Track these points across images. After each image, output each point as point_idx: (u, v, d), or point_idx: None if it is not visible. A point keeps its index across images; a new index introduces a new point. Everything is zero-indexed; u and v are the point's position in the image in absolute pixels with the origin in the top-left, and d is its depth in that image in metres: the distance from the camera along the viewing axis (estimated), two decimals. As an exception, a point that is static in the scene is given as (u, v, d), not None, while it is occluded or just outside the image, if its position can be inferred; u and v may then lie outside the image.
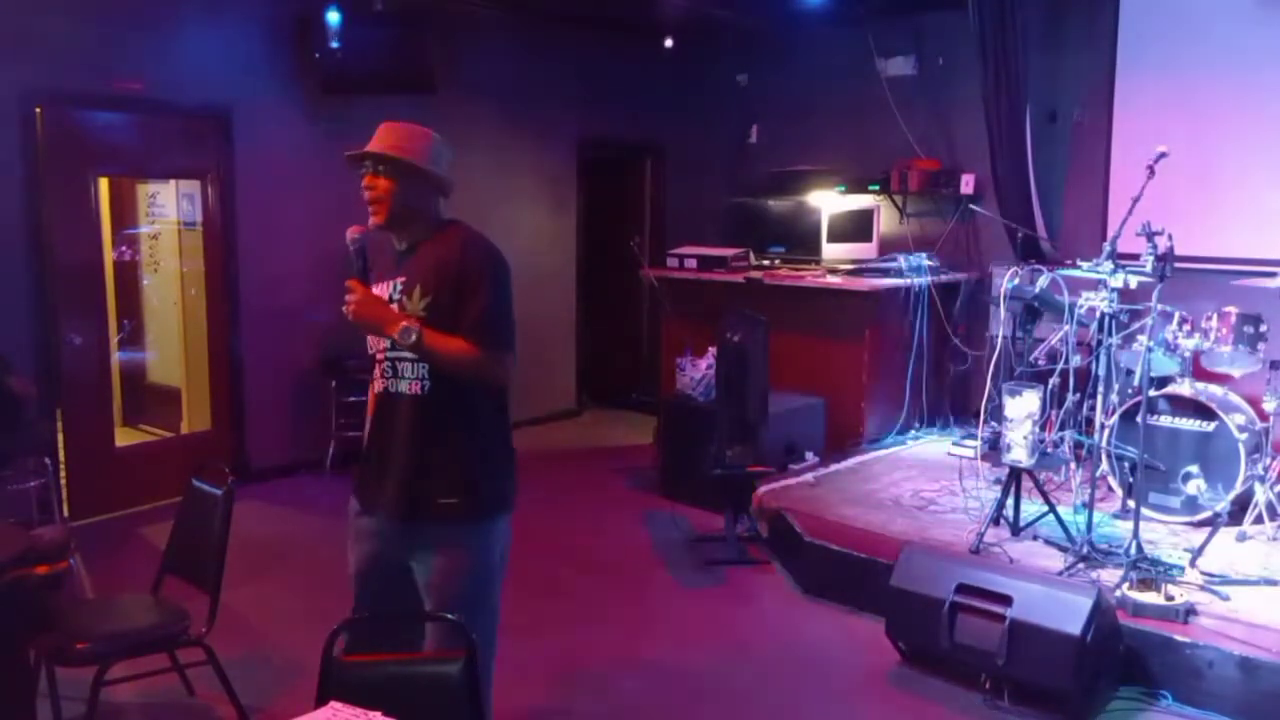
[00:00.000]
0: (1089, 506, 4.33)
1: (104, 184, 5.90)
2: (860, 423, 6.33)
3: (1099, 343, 4.54)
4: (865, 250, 6.95)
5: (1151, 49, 6.17)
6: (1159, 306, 4.18)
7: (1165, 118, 5.94)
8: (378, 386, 2.66)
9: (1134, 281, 4.30)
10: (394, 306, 2.57)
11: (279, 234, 6.34)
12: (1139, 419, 4.27)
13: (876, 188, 7.15)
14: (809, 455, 6.04)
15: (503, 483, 2.67)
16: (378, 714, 1.86)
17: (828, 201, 7.13)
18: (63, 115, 5.41)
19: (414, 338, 2.46)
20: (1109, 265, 4.32)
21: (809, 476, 5.72)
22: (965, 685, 3.78)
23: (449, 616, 2.57)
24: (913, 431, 6.61)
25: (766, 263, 7.01)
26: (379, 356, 2.64)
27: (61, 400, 5.47)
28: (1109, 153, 6.36)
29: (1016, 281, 4.57)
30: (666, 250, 7.34)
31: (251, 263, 6.24)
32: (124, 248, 6.66)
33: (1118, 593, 3.85)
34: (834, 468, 5.89)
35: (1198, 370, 4.92)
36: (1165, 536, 4.60)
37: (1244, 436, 4.59)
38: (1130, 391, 4.88)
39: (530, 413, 7.58)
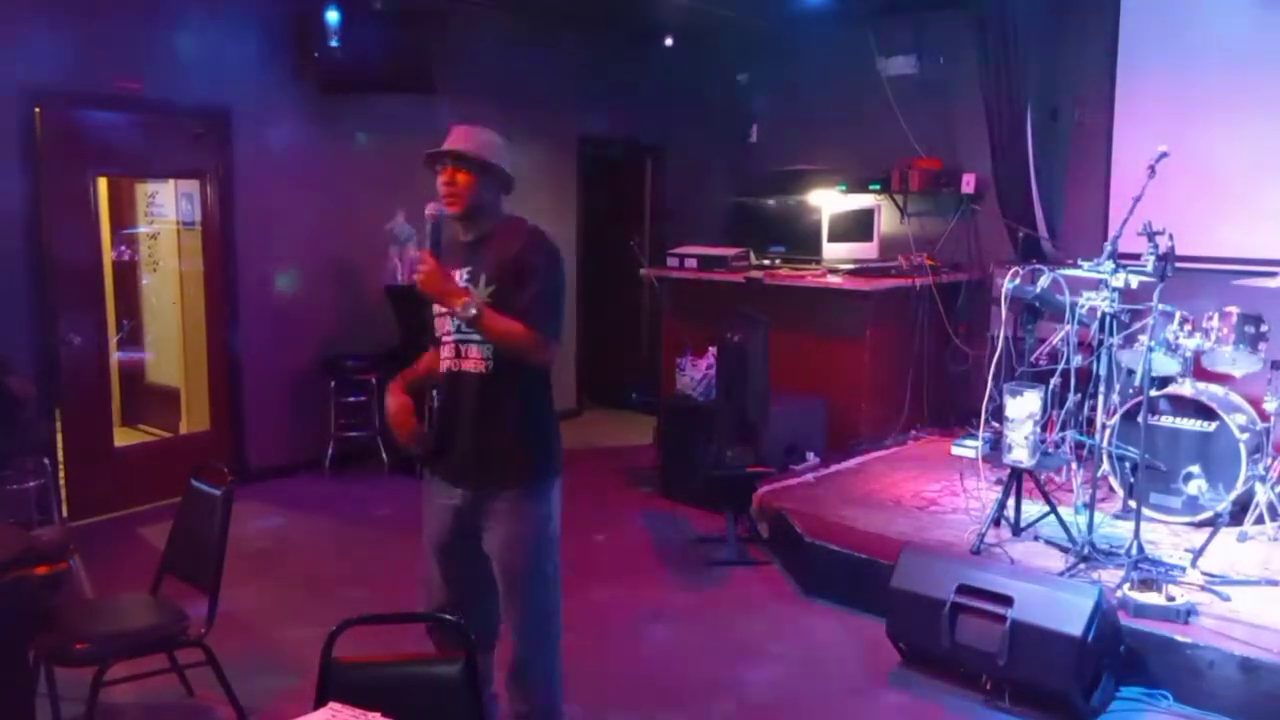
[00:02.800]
0: (1090, 507, 4.32)
1: (103, 184, 5.89)
2: (861, 423, 6.31)
3: (1100, 342, 4.53)
4: (866, 250, 6.94)
5: (1152, 49, 6.16)
6: (1160, 306, 4.17)
7: (1165, 118, 5.94)
8: (444, 366, 2.90)
9: (1135, 281, 4.29)
10: None
11: (278, 234, 6.34)
12: (1140, 419, 4.26)
13: (877, 187, 7.14)
14: (809, 455, 6.03)
15: (555, 450, 2.97)
16: (377, 715, 1.85)
17: (828, 201, 7.13)
18: (62, 115, 5.41)
19: (474, 311, 2.68)
20: (1110, 265, 4.31)
21: (809, 476, 5.71)
22: (966, 686, 3.77)
23: (448, 617, 2.60)
24: (913, 431, 6.60)
25: (767, 263, 7.00)
26: (445, 338, 2.88)
27: (61, 400, 5.46)
28: (1110, 152, 6.36)
29: (1017, 281, 4.57)
30: (666, 250, 7.33)
31: (250, 263, 6.24)
32: (123, 247, 6.66)
33: (1119, 593, 3.85)
34: (834, 468, 5.88)
35: (1199, 370, 4.92)
36: (1166, 537, 4.59)
37: (1245, 437, 4.59)
38: (1131, 391, 4.87)
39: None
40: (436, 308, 2.85)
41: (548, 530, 2.91)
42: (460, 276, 2.81)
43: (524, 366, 2.80)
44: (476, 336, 2.78)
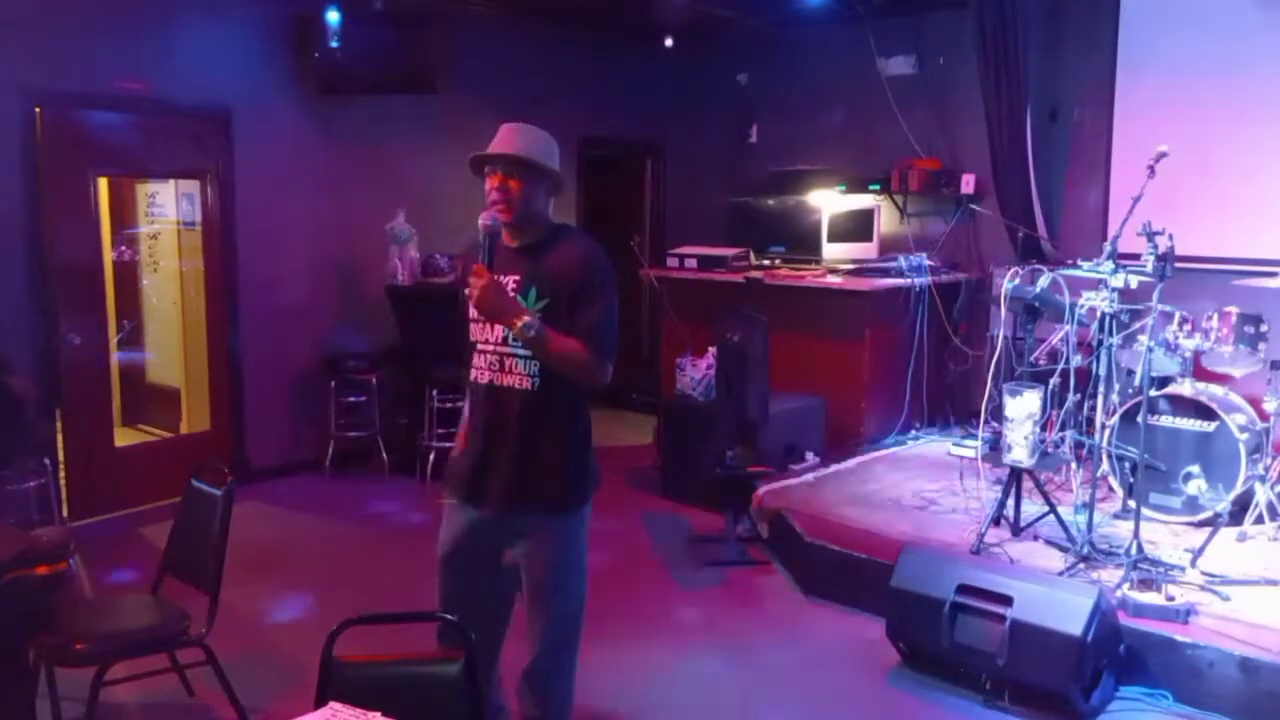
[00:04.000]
0: (1089, 507, 4.32)
1: (103, 184, 5.88)
2: (860, 423, 6.32)
3: (1099, 343, 4.54)
4: (866, 250, 6.94)
5: (1151, 49, 6.16)
6: (1159, 306, 4.17)
7: (1165, 118, 5.94)
8: (481, 378, 2.75)
9: (1134, 281, 4.30)
10: None
11: (278, 234, 6.34)
12: (1139, 419, 4.26)
13: (877, 187, 7.14)
14: (809, 455, 6.03)
15: (593, 472, 2.87)
16: (377, 714, 1.85)
17: (828, 201, 7.13)
18: (63, 115, 5.41)
19: (534, 331, 2.56)
20: (1109, 265, 4.31)
21: (809, 477, 5.71)
22: (965, 685, 3.77)
23: (448, 617, 2.59)
24: (913, 431, 6.61)
25: (766, 263, 7.00)
26: (482, 347, 2.74)
27: (61, 400, 5.46)
28: (1109, 152, 6.36)
29: (1017, 281, 4.57)
30: (666, 250, 7.33)
31: (251, 262, 6.24)
32: (123, 247, 6.65)
33: (1118, 593, 3.85)
34: (834, 468, 5.88)
35: (1198, 370, 4.92)
36: (1166, 537, 4.59)
37: (1245, 436, 4.59)
38: (1131, 391, 4.87)
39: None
40: (477, 313, 2.70)
41: (579, 548, 2.86)
42: (507, 285, 2.68)
43: (570, 385, 2.71)
44: (523, 351, 2.66)
